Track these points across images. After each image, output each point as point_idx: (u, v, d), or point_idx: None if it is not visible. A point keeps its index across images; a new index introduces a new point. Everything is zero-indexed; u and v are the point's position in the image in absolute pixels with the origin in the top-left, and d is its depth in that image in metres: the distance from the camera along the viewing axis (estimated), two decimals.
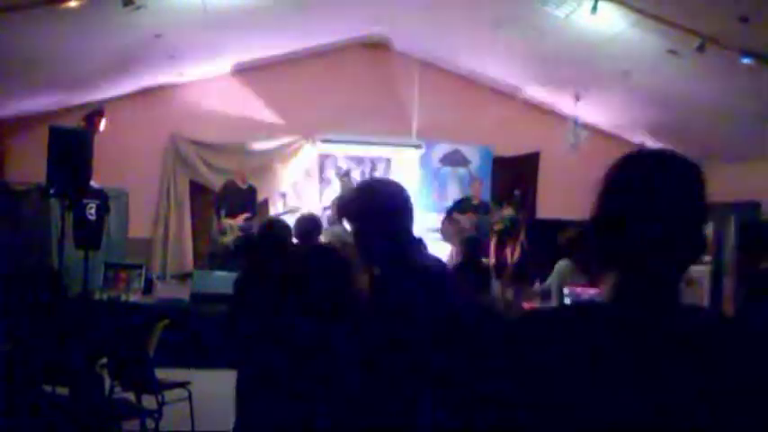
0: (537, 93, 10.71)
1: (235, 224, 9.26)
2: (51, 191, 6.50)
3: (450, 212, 9.82)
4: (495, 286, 8.64)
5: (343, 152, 10.81)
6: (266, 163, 10.51)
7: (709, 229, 9.16)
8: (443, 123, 10.63)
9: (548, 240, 7.18)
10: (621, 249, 1.22)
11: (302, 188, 10.73)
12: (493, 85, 10.85)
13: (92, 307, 6.86)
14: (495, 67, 10.41)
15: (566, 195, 8.54)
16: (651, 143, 9.65)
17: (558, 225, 7.32)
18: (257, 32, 9.10)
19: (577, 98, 9.80)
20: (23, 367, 4.32)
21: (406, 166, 10.98)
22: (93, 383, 4.67)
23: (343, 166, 10.73)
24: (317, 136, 10.48)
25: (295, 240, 4.31)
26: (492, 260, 9.55)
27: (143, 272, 8.11)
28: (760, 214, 9.48)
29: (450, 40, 9.81)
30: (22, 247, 8.38)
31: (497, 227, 9.76)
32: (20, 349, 4.45)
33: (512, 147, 11.01)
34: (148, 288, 8.30)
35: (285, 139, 10.61)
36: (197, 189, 10.51)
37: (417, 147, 10.62)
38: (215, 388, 3.59)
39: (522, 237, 9.86)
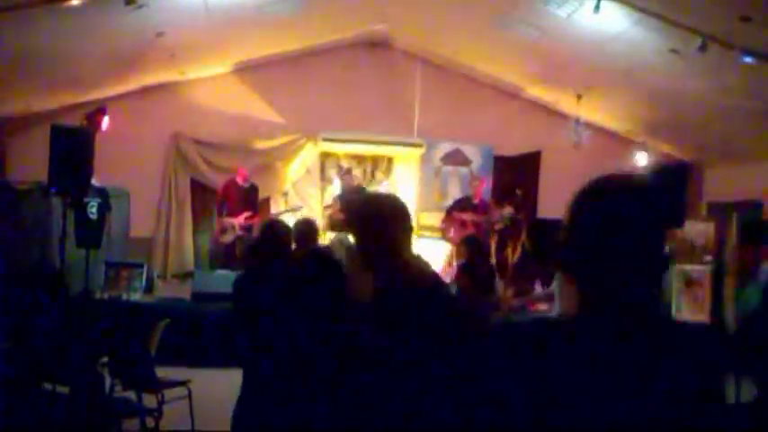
0: (539, 92, 10.71)
1: (236, 223, 9.27)
2: (53, 189, 6.52)
3: (450, 211, 9.81)
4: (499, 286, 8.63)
5: (344, 151, 10.80)
6: (268, 162, 10.51)
7: (710, 229, 9.14)
8: (445, 122, 10.64)
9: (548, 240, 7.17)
10: (595, 272, 1.33)
11: (303, 187, 10.73)
12: (494, 84, 10.84)
13: (93, 306, 6.85)
14: (497, 66, 10.41)
15: (567, 195, 8.50)
16: (653, 142, 9.65)
17: (558, 225, 7.30)
18: (259, 31, 9.11)
19: (579, 97, 9.80)
20: (24, 366, 4.33)
21: (407, 165, 10.98)
22: (94, 382, 4.67)
23: (345, 164, 10.73)
24: (318, 135, 10.47)
25: (293, 245, 4.31)
26: (492, 260, 9.54)
27: (144, 271, 8.11)
28: (762, 214, 9.47)
29: (452, 39, 9.81)
30: (23, 245, 8.38)
31: (498, 226, 9.75)
32: (21, 348, 4.46)
33: (513, 146, 11.01)
34: (149, 287, 8.30)
35: (286, 138, 10.61)
36: (198, 188, 10.52)
37: (419, 146, 10.61)
38: (215, 387, 3.59)
39: (522, 236, 9.85)
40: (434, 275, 2.43)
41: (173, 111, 10.27)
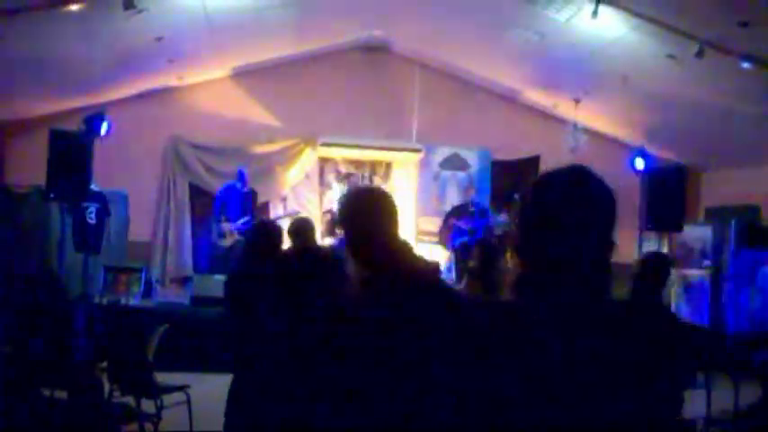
0: (537, 96, 10.73)
1: (234, 228, 9.27)
2: (51, 194, 6.52)
3: (447, 218, 9.83)
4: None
5: (342, 156, 10.82)
6: (266, 166, 10.51)
7: (708, 233, 9.19)
8: (443, 127, 10.65)
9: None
10: (551, 256, 1.39)
11: (302, 192, 10.73)
12: (493, 89, 10.86)
13: (91, 310, 6.85)
14: (495, 71, 10.43)
15: None
16: (650, 147, 9.66)
17: None
18: (257, 36, 9.12)
19: (577, 102, 9.82)
20: (23, 370, 4.32)
21: (405, 170, 10.98)
22: (93, 387, 4.67)
23: (343, 169, 10.74)
24: (316, 139, 10.48)
25: (289, 241, 4.31)
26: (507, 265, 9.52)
27: (143, 275, 8.10)
28: (760, 218, 9.49)
29: (450, 43, 9.83)
30: (21, 249, 8.38)
31: (497, 232, 9.76)
32: (19, 352, 4.45)
33: (510, 151, 11.02)
34: (148, 291, 8.29)
35: (285, 143, 10.61)
36: (197, 192, 10.51)
37: (417, 150, 10.62)
38: (214, 392, 3.58)
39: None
40: (427, 264, 2.45)
41: (172, 115, 10.27)
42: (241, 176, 9.41)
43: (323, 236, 9.36)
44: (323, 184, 10.84)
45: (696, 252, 9.58)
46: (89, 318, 6.43)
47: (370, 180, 10.90)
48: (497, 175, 10.97)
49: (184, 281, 9.34)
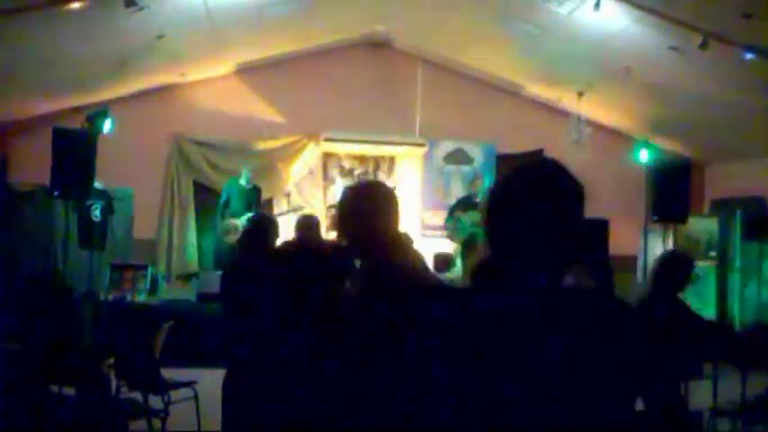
0: (540, 89, 10.70)
1: (239, 224, 9.27)
2: (55, 192, 6.53)
3: (452, 211, 9.80)
4: None
5: (346, 151, 10.81)
6: (269, 162, 10.51)
7: (713, 225, 9.18)
8: (447, 121, 10.63)
9: None
10: (508, 244, 1.40)
11: (306, 187, 10.73)
12: (496, 83, 10.84)
13: (97, 307, 6.87)
14: (498, 65, 10.41)
15: None
16: (654, 139, 9.64)
17: None
18: (260, 32, 9.12)
19: (580, 95, 9.80)
20: (30, 367, 4.34)
21: (409, 165, 10.97)
22: (100, 384, 4.68)
23: (347, 165, 10.73)
24: (320, 135, 10.48)
25: (295, 236, 4.31)
26: None
27: (148, 272, 8.12)
28: (765, 210, 9.46)
29: (453, 37, 9.81)
30: (26, 248, 8.41)
31: None
32: (26, 349, 4.47)
33: (515, 144, 10.98)
34: (154, 288, 8.32)
35: (288, 139, 10.61)
36: (201, 189, 10.53)
37: (421, 145, 10.61)
38: (221, 387, 3.60)
39: None
40: (421, 262, 2.46)
41: (174, 112, 10.28)
42: (244, 173, 9.42)
43: (327, 230, 9.36)
44: (327, 179, 10.83)
45: (702, 244, 9.56)
46: (96, 314, 6.46)
47: (374, 175, 10.89)
48: (501, 169, 10.95)
49: (190, 277, 9.37)
